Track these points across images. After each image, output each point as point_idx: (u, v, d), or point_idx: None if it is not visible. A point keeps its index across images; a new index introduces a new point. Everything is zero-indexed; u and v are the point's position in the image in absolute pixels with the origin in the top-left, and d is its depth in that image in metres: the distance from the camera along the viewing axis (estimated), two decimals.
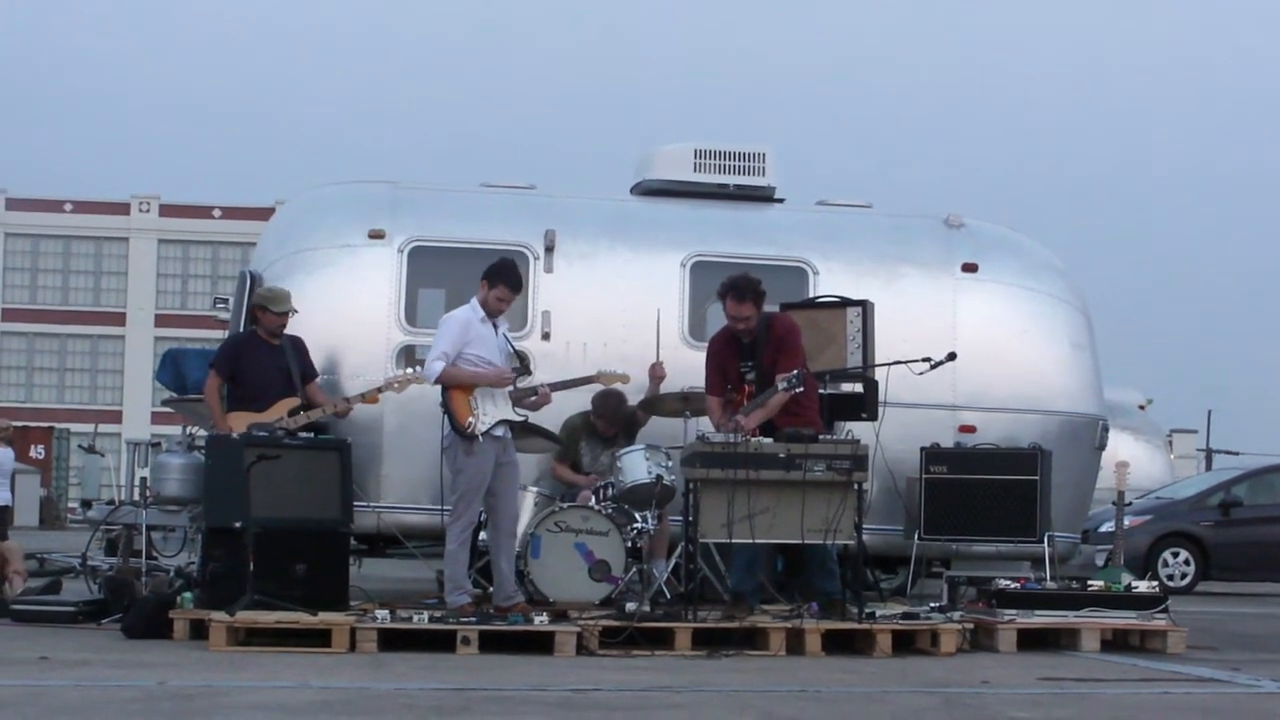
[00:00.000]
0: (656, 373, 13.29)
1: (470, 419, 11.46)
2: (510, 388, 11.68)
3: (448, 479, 11.90)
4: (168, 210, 75.13)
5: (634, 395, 13.19)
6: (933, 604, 12.43)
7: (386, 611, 11.03)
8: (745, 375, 11.88)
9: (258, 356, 12.65)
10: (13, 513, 22.99)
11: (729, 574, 12.31)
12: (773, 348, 11.84)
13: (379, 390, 12.67)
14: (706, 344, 12.45)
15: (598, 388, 12.80)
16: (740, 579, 11.90)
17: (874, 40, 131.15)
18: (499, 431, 11.58)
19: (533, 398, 11.85)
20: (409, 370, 12.58)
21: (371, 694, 8.54)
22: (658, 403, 13.11)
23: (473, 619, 10.91)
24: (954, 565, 14.16)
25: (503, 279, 11.62)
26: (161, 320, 73.59)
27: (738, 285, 11.81)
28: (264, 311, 12.71)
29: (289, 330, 12.79)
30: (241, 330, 13.42)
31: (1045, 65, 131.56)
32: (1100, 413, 14.72)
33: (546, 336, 13.73)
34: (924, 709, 8.38)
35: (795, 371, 11.49)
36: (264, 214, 55.15)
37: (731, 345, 11.96)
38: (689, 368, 13.38)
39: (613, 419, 13.09)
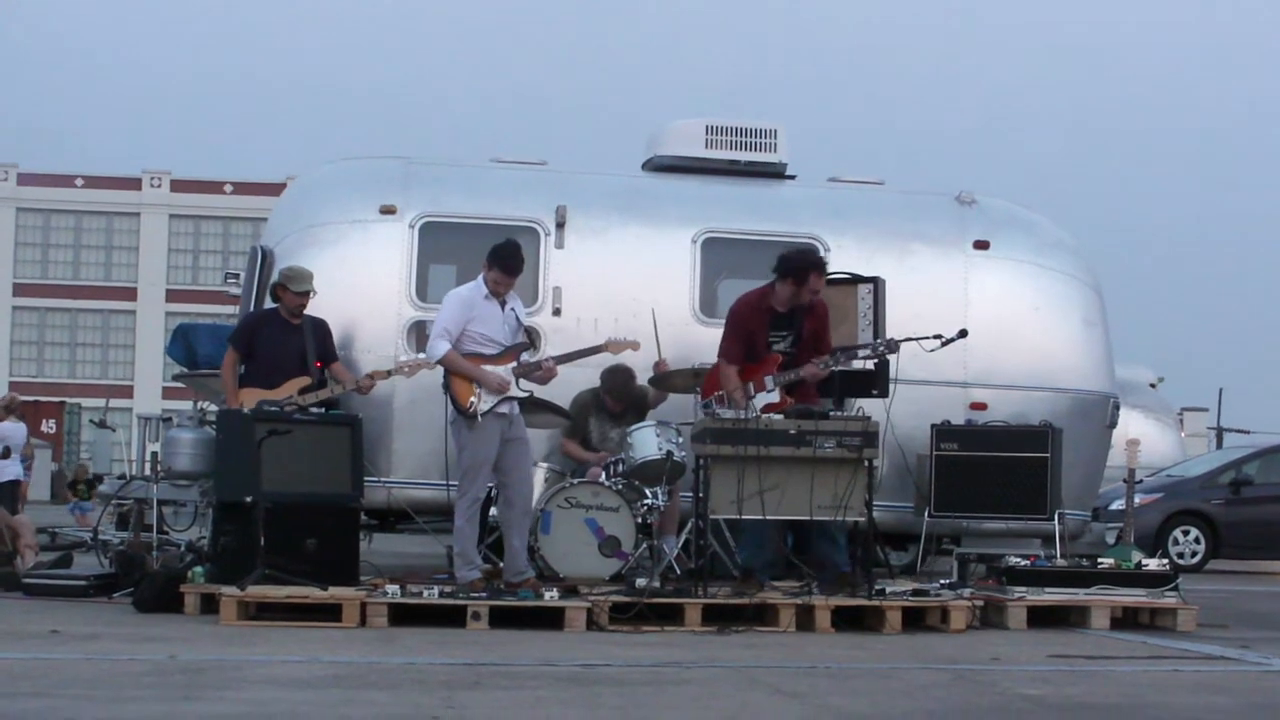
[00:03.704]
0: (661, 369, 13.27)
1: (472, 399, 11.44)
2: (515, 363, 11.65)
3: (453, 455, 11.91)
4: (179, 185, 75.10)
5: (642, 373, 13.15)
6: (943, 581, 12.43)
7: (397, 586, 11.06)
8: (773, 344, 11.96)
9: (274, 335, 12.66)
10: (25, 487, 23.08)
11: (739, 550, 12.32)
12: (814, 321, 12.10)
13: (389, 373, 12.66)
14: (727, 314, 12.43)
15: (608, 359, 12.72)
16: (750, 555, 11.91)
17: (887, 17, 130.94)
18: (503, 409, 11.56)
19: (538, 372, 11.82)
20: (419, 355, 12.57)
21: (382, 668, 8.56)
22: (668, 379, 13.09)
23: (483, 594, 10.93)
24: (964, 542, 14.15)
25: (497, 262, 11.55)
26: (172, 295, 73.59)
27: (819, 262, 12.05)
28: (284, 290, 12.72)
29: (313, 312, 12.79)
30: (256, 307, 13.42)
31: (1055, 40, 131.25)
32: (1111, 390, 14.70)
33: (558, 312, 13.73)
34: (934, 685, 8.38)
35: (835, 353, 11.83)
36: (275, 189, 55.20)
37: (765, 314, 12.02)
38: (700, 344, 13.39)
39: (621, 396, 13.08)
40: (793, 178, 15.00)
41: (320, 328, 12.82)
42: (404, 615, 10.76)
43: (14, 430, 22.20)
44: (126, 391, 70.35)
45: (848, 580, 11.59)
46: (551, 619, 10.74)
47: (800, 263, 12.05)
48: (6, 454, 20.57)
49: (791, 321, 12.04)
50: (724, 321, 12.46)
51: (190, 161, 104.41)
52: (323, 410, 12.31)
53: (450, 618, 10.69)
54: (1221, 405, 51.37)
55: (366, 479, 12.45)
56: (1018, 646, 10.32)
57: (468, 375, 11.47)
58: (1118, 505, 19.13)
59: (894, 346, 12.27)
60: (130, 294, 74.31)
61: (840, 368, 12.17)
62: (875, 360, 12.55)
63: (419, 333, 13.39)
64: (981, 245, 14.46)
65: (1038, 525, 13.68)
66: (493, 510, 12.43)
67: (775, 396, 11.99)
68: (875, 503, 11.53)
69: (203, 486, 13.62)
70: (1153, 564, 12.08)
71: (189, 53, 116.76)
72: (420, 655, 9.15)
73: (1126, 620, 11.80)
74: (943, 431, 13.56)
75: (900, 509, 13.83)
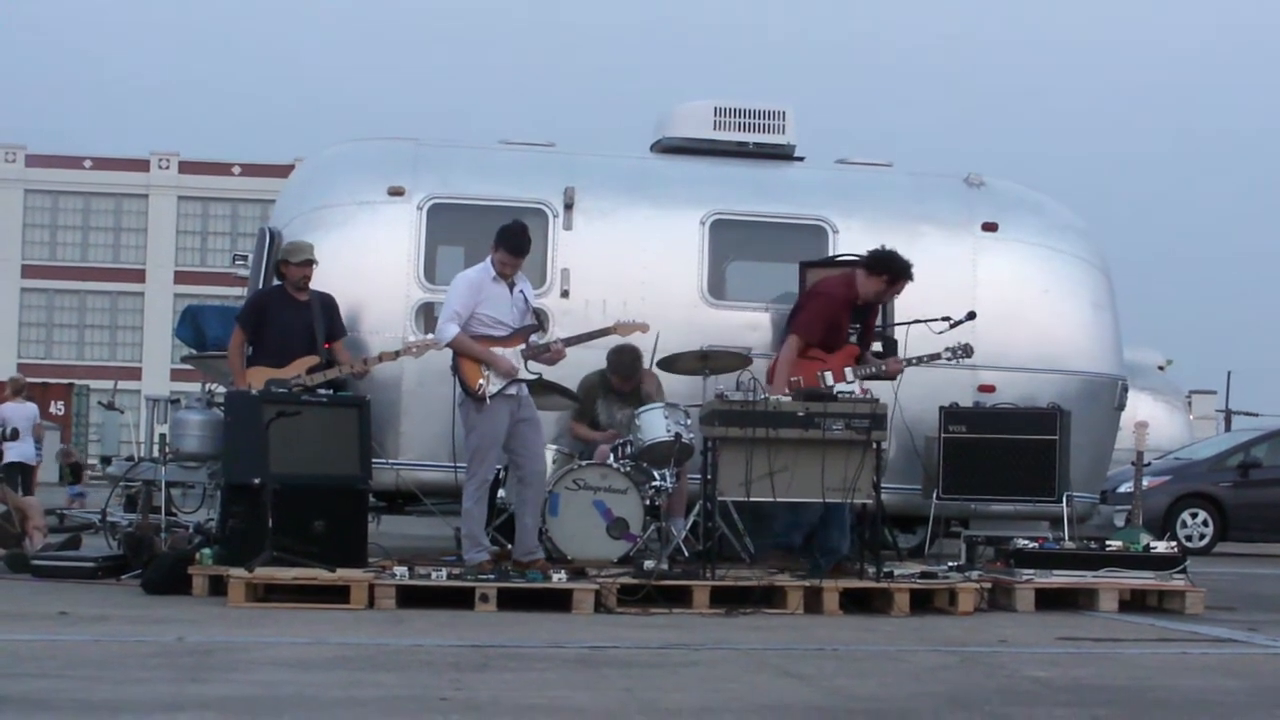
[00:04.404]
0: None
1: (480, 381, 11.44)
2: (524, 345, 11.65)
3: (462, 437, 11.91)
4: (187, 167, 75.19)
5: (649, 355, 13.12)
6: (951, 563, 12.43)
7: (405, 568, 11.05)
8: (849, 336, 12.14)
9: (281, 313, 12.66)
10: (36, 470, 23.11)
11: (774, 530, 12.32)
12: (874, 317, 12.51)
13: (396, 354, 12.64)
14: (812, 293, 12.52)
15: (615, 340, 12.72)
16: (786, 534, 11.90)
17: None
18: (512, 390, 11.55)
19: (546, 354, 11.82)
20: (428, 336, 12.56)
21: (390, 650, 8.56)
22: (676, 360, 13.05)
23: (491, 576, 10.93)
24: (972, 525, 14.15)
25: (503, 243, 11.57)
26: (181, 277, 73.72)
27: (911, 269, 12.35)
28: (286, 265, 12.74)
29: (316, 286, 12.78)
30: (264, 287, 13.42)
31: (1073, 26, 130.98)
32: (1120, 373, 14.68)
33: (565, 294, 13.71)
34: (942, 668, 8.38)
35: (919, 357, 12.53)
36: (283, 171, 55.25)
37: (850, 304, 12.20)
38: (708, 326, 13.42)
39: (628, 375, 13.05)
40: (801, 159, 14.97)
41: (328, 303, 12.82)
42: (412, 597, 10.75)
43: (18, 411, 22.22)
44: (135, 373, 70.51)
45: (847, 565, 11.61)
46: (559, 601, 10.74)
47: (901, 264, 12.23)
48: (15, 435, 20.60)
49: (864, 315, 12.25)
50: (808, 298, 12.54)
51: (198, 143, 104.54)
52: (331, 392, 12.31)
53: (458, 599, 10.69)
54: (1230, 388, 51.40)
55: (375, 461, 12.45)
56: (1026, 629, 10.32)
57: (477, 358, 11.47)
58: (1126, 488, 19.18)
59: (969, 352, 12.51)
60: (138, 276, 74.42)
61: (918, 365, 12.61)
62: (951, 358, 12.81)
63: (427, 314, 13.38)
64: (990, 227, 14.43)
65: (1046, 508, 13.68)
66: (500, 492, 12.44)
67: (855, 388, 12.07)
68: (883, 485, 11.53)
69: (211, 468, 13.63)
70: (1161, 546, 12.07)
71: (198, 33, 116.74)
72: (428, 637, 9.16)
73: (1135, 603, 11.80)
74: (951, 414, 13.55)
75: (908, 491, 13.83)
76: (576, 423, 13.23)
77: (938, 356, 12.59)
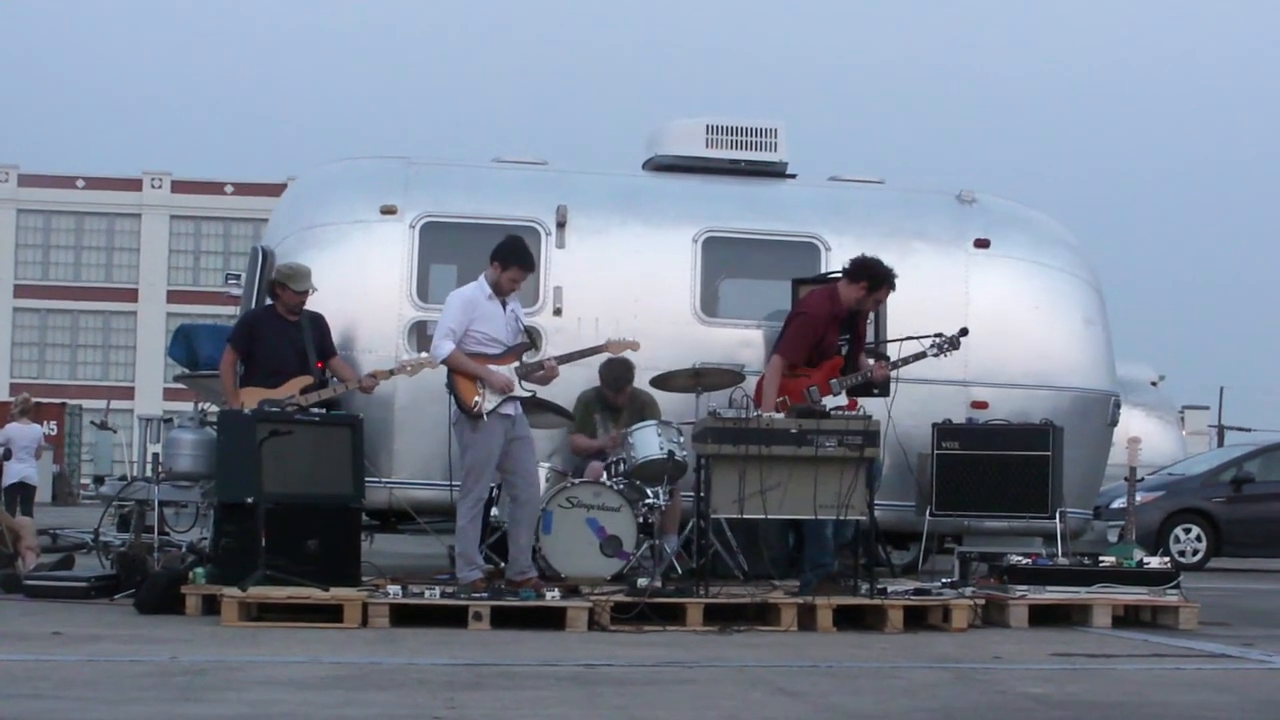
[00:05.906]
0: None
1: (476, 399, 11.43)
2: (517, 363, 11.64)
3: (457, 455, 11.90)
4: (180, 186, 75.08)
5: (642, 372, 13.11)
6: (944, 580, 12.43)
7: (398, 587, 11.05)
8: (840, 348, 12.18)
9: (273, 333, 12.63)
10: (34, 490, 23.11)
11: (806, 555, 12.30)
12: (862, 324, 12.50)
13: (391, 373, 12.63)
14: (796, 313, 12.52)
15: (606, 357, 12.69)
16: (821, 560, 11.86)
17: (889, 14, 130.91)
18: (507, 409, 11.54)
19: (540, 372, 11.80)
20: (422, 355, 12.54)
21: (383, 669, 8.55)
22: (669, 378, 13.04)
23: (484, 595, 10.91)
24: (966, 541, 14.13)
25: (515, 261, 11.55)
26: (174, 296, 73.57)
27: (893, 275, 12.38)
28: (283, 289, 12.69)
29: (308, 306, 12.76)
30: (257, 307, 13.40)
31: (1068, 46, 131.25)
32: (1112, 388, 14.69)
33: (558, 312, 13.71)
34: (936, 684, 8.38)
35: (904, 358, 12.44)
36: (276, 190, 55.21)
37: (836, 317, 12.18)
38: (701, 344, 13.43)
39: (619, 387, 13.03)
40: (793, 177, 14.99)
41: (318, 323, 12.80)
42: (405, 616, 10.75)
43: (23, 431, 22.25)
44: (127, 393, 70.36)
45: (835, 581, 11.59)
46: (553, 619, 10.73)
47: (882, 271, 12.27)
48: (8, 456, 20.59)
49: (851, 324, 12.25)
50: (791, 318, 12.54)
51: (191, 162, 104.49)
52: (324, 410, 12.29)
53: (452, 618, 10.68)
54: (1223, 403, 51.46)
55: (368, 479, 12.43)
56: (1019, 645, 10.32)
57: (473, 374, 11.46)
58: (1119, 503, 19.14)
59: (956, 344, 12.52)
60: (131, 295, 74.28)
61: (904, 366, 12.48)
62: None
63: (420, 333, 13.39)
64: (982, 244, 14.45)
65: (1039, 524, 13.67)
66: (494, 510, 12.42)
67: (843, 399, 12.09)
68: (877, 502, 11.53)
69: (204, 487, 13.61)
70: (1154, 562, 12.07)
71: (189, 52, 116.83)
72: (422, 656, 9.15)
73: (1128, 618, 11.80)
74: (944, 430, 13.56)
75: (902, 508, 13.83)
76: (574, 436, 13.21)
77: (923, 355, 12.55)
